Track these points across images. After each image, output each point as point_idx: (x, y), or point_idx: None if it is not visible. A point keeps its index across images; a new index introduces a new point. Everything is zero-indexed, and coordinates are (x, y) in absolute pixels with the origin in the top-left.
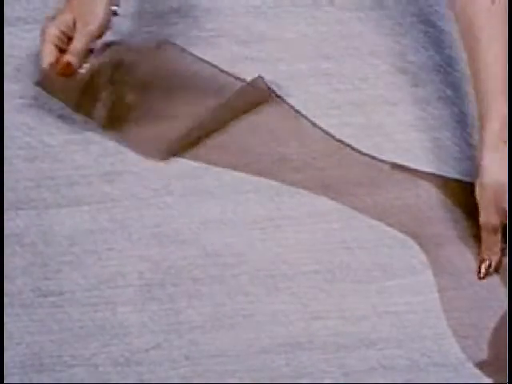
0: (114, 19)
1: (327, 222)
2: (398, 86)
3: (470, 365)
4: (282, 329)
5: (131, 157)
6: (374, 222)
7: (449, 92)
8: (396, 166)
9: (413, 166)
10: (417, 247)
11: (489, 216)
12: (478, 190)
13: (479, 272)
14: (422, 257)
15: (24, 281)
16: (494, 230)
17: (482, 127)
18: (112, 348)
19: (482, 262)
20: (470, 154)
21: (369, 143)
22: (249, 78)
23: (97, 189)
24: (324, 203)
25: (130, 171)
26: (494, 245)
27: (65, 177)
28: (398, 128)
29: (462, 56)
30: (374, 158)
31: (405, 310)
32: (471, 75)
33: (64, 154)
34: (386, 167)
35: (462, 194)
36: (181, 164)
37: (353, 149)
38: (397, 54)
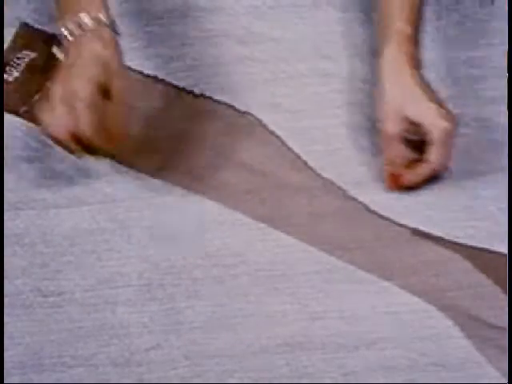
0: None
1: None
2: None
3: (469, 365)
4: (281, 329)
5: None
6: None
7: (448, 92)
8: (417, 232)
9: (435, 232)
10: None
11: (390, 124)
12: (380, 100)
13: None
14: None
15: (24, 281)
16: (396, 139)
17: (379, 49)
18: (112, 348)
19: (386, 173)
20: (469, 154)
21: (368, 143)
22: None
23: (97, 189)
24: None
25: (129, 172)
26: (396, 155)
27: (65, 177)
28: None
29: (461, 56)
30: (394, 222)
31: (404, 310)
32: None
33: (64, 154)
34: (407, 232)
35: (492, 264)
36: None
37: (369, 211)
38: None
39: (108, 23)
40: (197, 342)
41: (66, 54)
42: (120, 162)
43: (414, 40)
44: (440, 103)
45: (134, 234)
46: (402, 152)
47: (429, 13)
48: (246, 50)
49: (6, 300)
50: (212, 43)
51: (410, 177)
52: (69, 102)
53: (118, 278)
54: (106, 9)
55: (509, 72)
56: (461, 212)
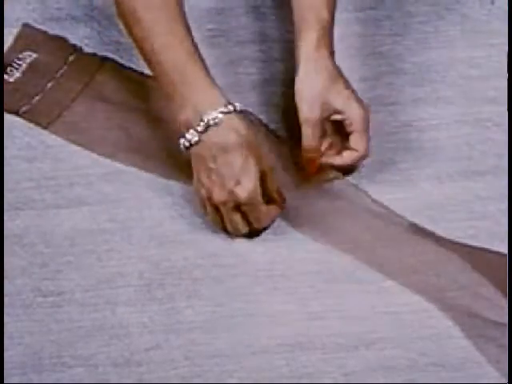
0: (115, 21)
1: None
2: (397, 86)
3: (469, 365)
4: (281, 329)
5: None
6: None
7: (448, 92)
8: (417, 232)
9: (435, 232)
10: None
11: (312, 110)
12: (299, 87)
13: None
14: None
15: (24, 281)
16: (316, 125)
17: (298, 37)
18: (111, 348)
19: (305, 159)
20: (469, 154)
21: (369, 144)
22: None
23: (97, 189)
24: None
25: (129, 171)
26: (314, 140)
27: (65, 177)
28: (398, 128)
29: (461, 56)
30: (393, 221)
31: (404, 310)
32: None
33: (64, 154)
34: (407, 232)
35: (488, 263)
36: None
37: (369, 210)
38: (396, 55)
39: (232, 109)
40: (197, 342)
41: (199, 157)
42: (120, 162)
43: (331, 27)
44: (353, 91)
45: (134, 234)
46: (319, 138)
47: (429, 13)
48: (246, 50)
49: (6, 300)
50: (212, 43)
51: (338, 162)
52: (243, 207)
53: (118, 278)
54: (226, 96)
55: (509, 72)
56: (461, 212)
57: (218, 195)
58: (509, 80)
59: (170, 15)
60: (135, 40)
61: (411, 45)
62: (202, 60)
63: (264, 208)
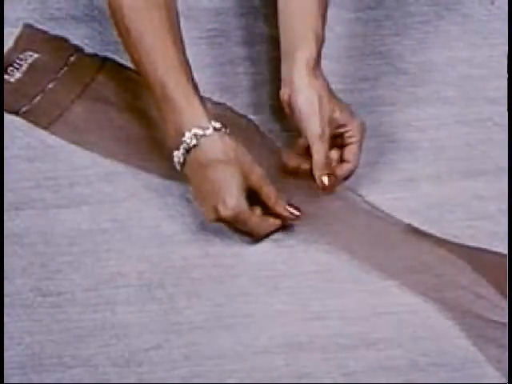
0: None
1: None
2: (397, 87)
3: (469, 365)
4: (281, 329)
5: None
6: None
7: (448, 92)
8: (416, 232)
9: (434, 232)
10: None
11: (324, 127)
12: (304, 104)
13: (324, 187)
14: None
15: (24, 281)
16: (328, 141)
17: (290, 57)
18: (111, 348)
19: (324, 176)
20: (469, 154)
21: (369, 144)
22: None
23: (97, 189)
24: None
25: (129, 171)
26: (326, 156)
27: (65, 177)
28: (398, 128)
29: (461, 56)
30: (393, 222)
31: (404, 310)
32: (283, 13)
33: (64, 154)
34: (406, 232)
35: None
36: None
37: (369, 210)
38: (397, 55)
39: (211, 130)
40: (197, 342)
41: (189, 174)
42: (120, 162)
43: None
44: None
45: (134, 234)
46: (328, 153)
47: (429, 13)
48: (246, 50)
49: (6, 300)
50: (212, 43)
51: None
52: (231, 220)
53: (118, 277)
54: (209, 113)
55: (509, 72)
56: (460, 212)
57: (207, 212)
58: (509, 80)
59: (157, 22)
60: (125, 49)
61: (411, 45)
62: (186, 70)
63: (255, 220)
